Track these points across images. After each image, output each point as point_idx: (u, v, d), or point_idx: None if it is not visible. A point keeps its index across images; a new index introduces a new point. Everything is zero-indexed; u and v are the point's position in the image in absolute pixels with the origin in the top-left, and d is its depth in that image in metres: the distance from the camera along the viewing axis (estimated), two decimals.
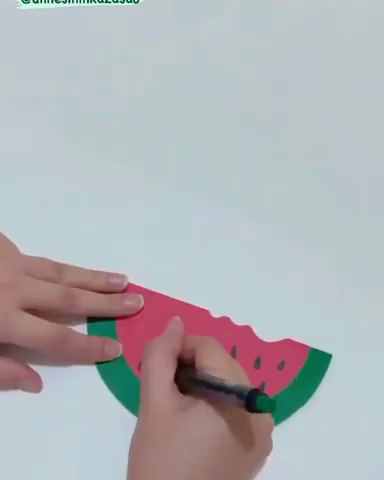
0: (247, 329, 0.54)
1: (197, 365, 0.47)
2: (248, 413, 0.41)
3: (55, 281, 0.53)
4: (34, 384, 0.52)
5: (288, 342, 0.54)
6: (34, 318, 0.51)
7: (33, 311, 0.51)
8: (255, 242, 0.59)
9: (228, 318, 0.55)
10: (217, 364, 0.46)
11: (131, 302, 0.55)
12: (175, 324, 0.51)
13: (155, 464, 0.44)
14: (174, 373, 0.47)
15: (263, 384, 0.52)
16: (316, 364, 0.53)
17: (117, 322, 0.54)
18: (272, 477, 0.48)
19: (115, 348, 0.54)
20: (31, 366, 0.52)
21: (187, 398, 0.46)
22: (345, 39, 0.67)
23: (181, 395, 0.46)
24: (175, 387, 0.47)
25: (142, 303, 0.55)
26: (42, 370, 0.52)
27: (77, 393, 0.52)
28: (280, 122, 0.64)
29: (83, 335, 0.54)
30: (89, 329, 0.54)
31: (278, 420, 0.50)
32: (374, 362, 0.54)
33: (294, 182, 0.61)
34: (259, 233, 0.59)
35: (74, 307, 0.53)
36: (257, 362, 0.53)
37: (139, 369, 0.51)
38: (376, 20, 0.68)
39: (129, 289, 0.56)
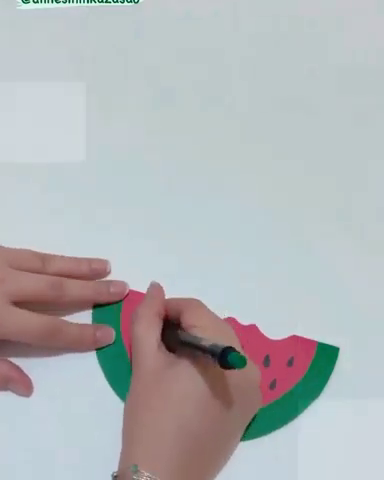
0: (253, 328, 0.55)
1: (183, 325, 0.49)
2: (229, 371, 0.43)
3: (39, 271, 0.54)
4: (25, 387, 0.52)
5: (295, 338, 0.54)
6: (24, 312, 0.51)
7: (22, 304, 0.51)
8: (255, 241, 0.59)
9: (234, 318, 0.55)
10: (202, 323, 0.49)
11: (116, 288, 0.55)
12: (154, 288, 0.54)
13: (145, 420, 0.46)
14: (159, 334, 0.50)
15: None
16: (324, 358, 0.53)
17: (121, 325, 0.54)
18: (289, 471, 0.49)
19: (108, 334, 0.54)
20: (30, 359, 0.53)
21: (173, 356, 0.49)
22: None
23: (168, 353, 0.49)
24: (162, 346, 0.50)
25: (127, 290, 0.56)
26: (39, 364, 0.53)
27: (76, 384, 0.53)
28: (282, 118, 0.64)
29: (74, 324, 0.54)
30: (94, 316, 0.55)
31: (292, 415, 0.51)
32: (380, 353, 0.55)
33: (293, 181, 0.61)
34: (258, 232, 0.59)
35: (62, 297, 0.53)
36: (266, 360, 0.53)
37: None
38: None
39: (131, 295, 0.56)
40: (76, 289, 0.54)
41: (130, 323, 0.51)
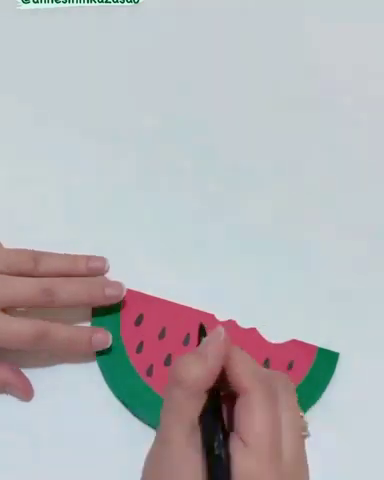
0: (253, 332, 0.55)
1: (234, 427, 0.39)
2: None
3: (31, 272, 0.52)
4: (24, 392, 0.51)
5: (295, 342, 0.54)
6: (9, 318, 0.50)
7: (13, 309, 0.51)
8: (255, 244, 0.59)
9: (234, 321, 0.55)
10: (253, 440, 0.38)
11: (112, 290, 0.53)
12: (219, 342, 0.41)
13: None
14: (202, 408, 0.39)
15: None
16: (324, 363, 0.53)
17: (121, 326, 0.54)
18: None
19: (104, 338, 0.52)
20: (30, 360, 0.52)
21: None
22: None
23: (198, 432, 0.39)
24: (196, 426, 0.39)
25: (124, 292, 0.53)
26: (39, 364, 0.53)
27: (76, 390, 0.52)
28: (282, 119, 0.64)
29: (66, 327, 0.52)
30: (93, 316, 0.54)
31: None
32: (380, 355, 0.55)
33: (293, 181, 0.61)
34: (259, 235, 0.59)
35: (53, 302, 0.51)
36: (266, 364, 0.53)
37: (146, 373, 0.52)
38: None
39: (131, 295, 0.54)
40: (68, 294, 0.51)
41: (169, 377, 0.40)
